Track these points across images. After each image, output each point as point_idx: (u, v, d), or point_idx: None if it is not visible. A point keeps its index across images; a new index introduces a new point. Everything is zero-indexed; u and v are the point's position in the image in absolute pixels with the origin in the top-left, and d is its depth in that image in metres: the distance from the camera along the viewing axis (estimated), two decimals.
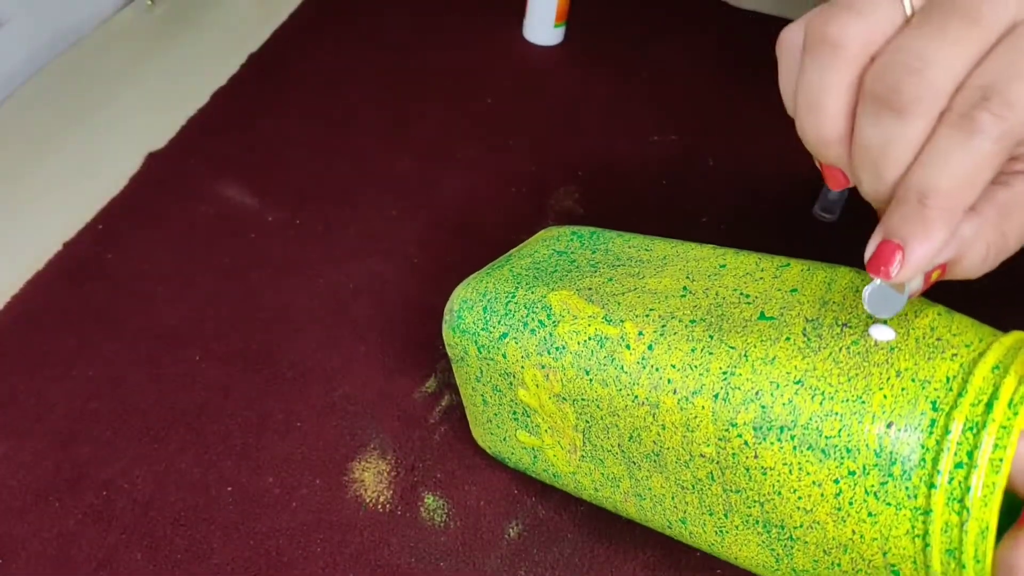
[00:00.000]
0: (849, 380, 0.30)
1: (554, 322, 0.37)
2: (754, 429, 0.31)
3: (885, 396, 0.29)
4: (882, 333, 0.31)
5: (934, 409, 0.28)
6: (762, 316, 0.33)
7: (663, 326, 0.34)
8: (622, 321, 0.35)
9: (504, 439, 0.42)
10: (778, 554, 0.32)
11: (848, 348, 0.31)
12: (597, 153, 0.64)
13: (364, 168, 0.60)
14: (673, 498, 0.35)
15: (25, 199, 0.56)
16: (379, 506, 0.43)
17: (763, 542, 0.32)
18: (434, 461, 0.45)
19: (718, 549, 0.35)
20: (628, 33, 0.76)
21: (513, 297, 0.39)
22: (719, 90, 0.70)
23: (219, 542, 0.41)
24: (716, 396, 0.32)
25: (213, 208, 0.56)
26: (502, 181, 0.60)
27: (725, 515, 0.33)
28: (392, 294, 0.53)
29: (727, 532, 0.34)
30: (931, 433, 0.28)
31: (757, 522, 0.32)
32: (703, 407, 0.32)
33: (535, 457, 0.40)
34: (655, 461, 0.34)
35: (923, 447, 0.28)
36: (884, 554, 0.29)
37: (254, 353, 0.49)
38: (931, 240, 0.27)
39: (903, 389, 0.29)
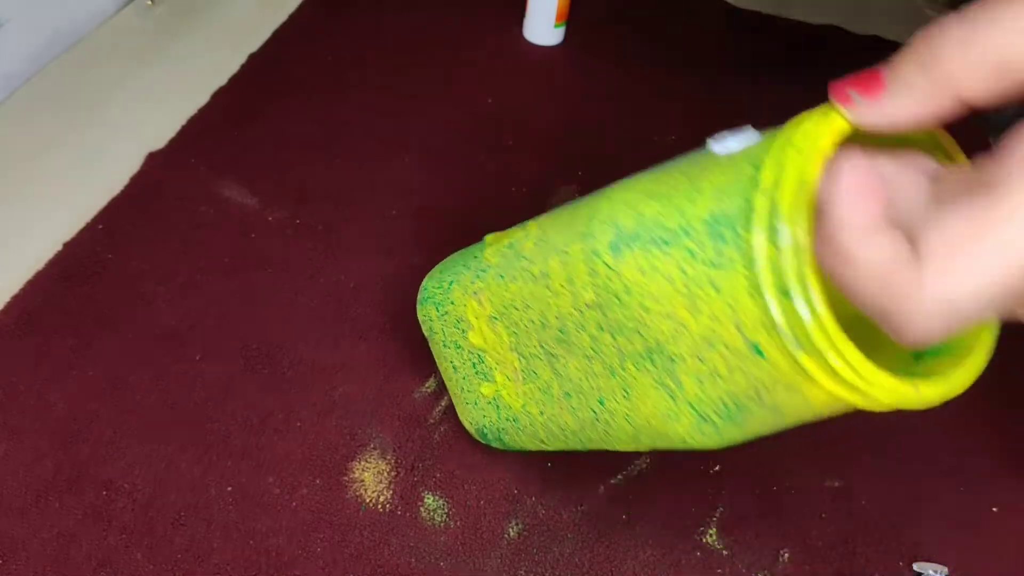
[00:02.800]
0: (690, 180, 0.31)
1: (482, 249, 0.42)
2: (611, 249, 0.33)
3: (715, 175, 0.30)
4: (720, 146, 0.32)
5: (754, 168, 0.28)
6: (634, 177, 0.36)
7: (555, 215, 0.38)
8: (526, 224, 0.40)
9: (476, 403, 0.43)
10: (670, 388, 0.33)
11: (695, 162, 0.32)
12: (597, 153, 0.64)
13: (364, 168, 0.60)
14: (587, 377, 0.36)
15: (25, 199, 0.56)
16: (379, 506, 0.43)
17: (656, 381, 0.33)
18: (434, 461, 0.45)
19: (634, 417, 0.35)
20: (628, 33, 0.76)
21: (460, 255, 0.44)
22: (719, 90, 0.70)
23: (219, 542, 0.41)
24: (583, 236, 0.34)
25: (213, 208, 0.56)
26: (502, 181, 0.60)
27: (622, 367, 0.34)
28: (392, 294, 0.53)
29: (631, 390, 0.35)
30: (750, 183, 0.28)
31: (643, 356, 0.33)
32: (576, 250, 0.35)
33: (498, 407, 0.42)
34: (563, 341, 0.37)
35: (746, 200, 0.28)
36: (739, 329, 0.29)
37: (254, 353, 0.49)
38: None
39: (734, 164, 0.30)
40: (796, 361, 0.28)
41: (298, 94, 0.66)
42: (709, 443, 0.34)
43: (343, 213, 0.57)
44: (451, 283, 0.43)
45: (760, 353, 0.29)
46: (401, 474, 0.44)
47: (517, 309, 0.39)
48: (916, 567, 0.43)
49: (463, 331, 0.42)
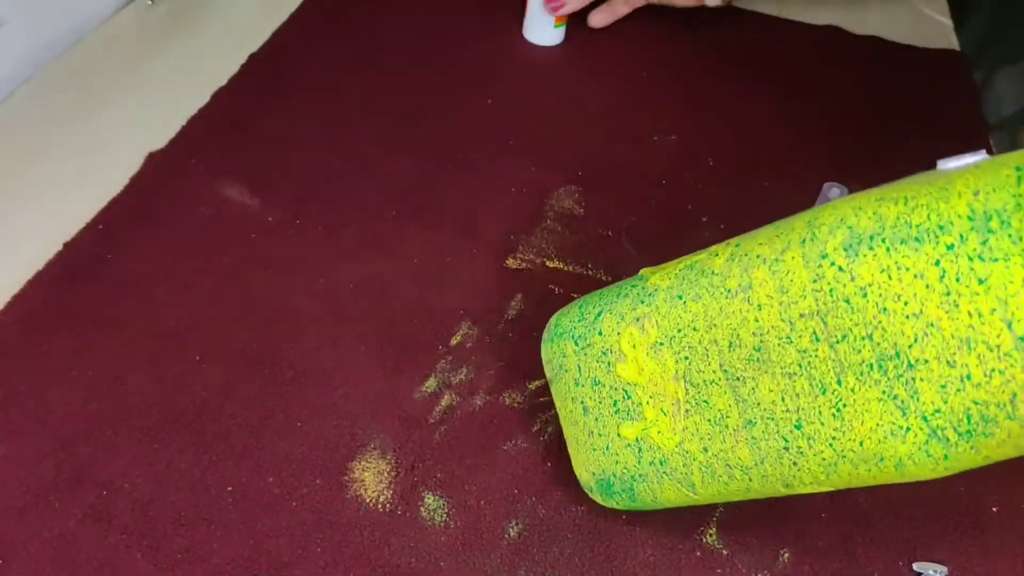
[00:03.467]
0: (930, 183, 0.30)
1: (645, 279, 0.40)
2: (844, 250, 0.31)
3: (966, 179, 0.29)
4: (955, 163, 0.31)
5: (1018, 169, 0.28)
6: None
7: (752, 233, 0.37)
8: (708, 249, 0.38)
9: (607, 448, 0.41)
10: (902, 400, 0.31)
11: (924, 176, 0.32)
12: (597, 153, 0.64)
13: (364, 168, 0.60)
14: (784, 398, 0.34)
15: (26, 199, 0.56)
16: (379, 506, 0.43)
17: (884, 393, 0.32)
18: (434, 461, 0.45)
19: (841, 442, 0.33)
20: (628, 33, 0.76)
21: (609, 288, 0.42)
22: (719, 90, 0.70)
23: (219, 542, 0.41)
24: (803, 241, 0.33)
25: (213, 208, 0.56)
26: (502, 181, 0.60)
27: (839, 382, 0.33)
28: (392, 294, 0.53)
29: (845, 406, 0.33)
30: (1019, 182, 0.28)
31: (871, 367, 0.32)
32: (793, 258, 0.33)
33: (640, 450, 0.40)
34: (758, 360, 0.35)
35: (1015, 196, 0.28)
36: (1009, 325, 0.28)
37: (254, 353, 0.49)
38: None
39: (983, 169, 0.29)
40: None
41: (298, 94, 0.66)
42: (928, 468, 0.32)
43: (343, 213, 0.57)
44: (599, 314, 0.40)
45: None
46: (401, 474, 0.44)
47: (696, 331, 0.37)
48: (916, 567, 0.43)
49: (609, 364, 0.40)
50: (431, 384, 0.48)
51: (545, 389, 0.48)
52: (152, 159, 0.59)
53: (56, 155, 0.59)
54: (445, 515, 0.43)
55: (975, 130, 0.68)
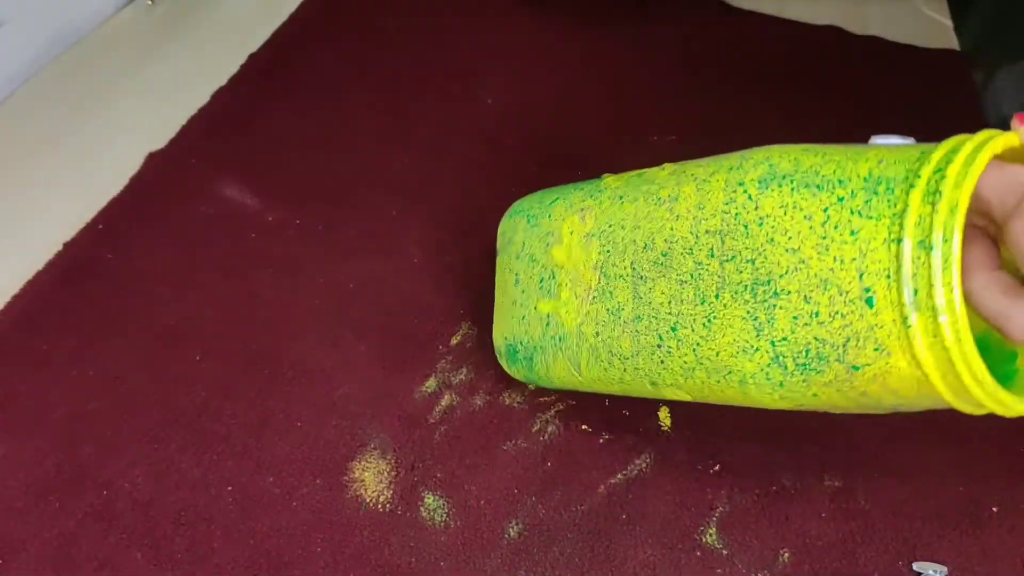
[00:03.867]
0: (850, 149, 0.34)
1: (601, 178, 0.44)
2: (759, 183, 0.35)
3: (881, 151, 0.33)
4: (883, 139, 0.36)
5: (923, 153, 0.32)
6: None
7: (698, 159, 0.40)
8: (662, 164, 0.42)
9: (523, 318, 0.45)
10: (760, 322, 0.35)
11: (853, 145, 0.35)
12: (597, 153, 0.64)
13: (364, 168, 0.60)
14: (670, 302, 0.38)
15: (25, 199, 0.56)
16: (379, 506, 0.43)
17: (748, 312, 0.35)
18: (434, 461, 0.45)
19: (703, 348, 0.37)
20: (628, 33, 0.76)
21: (570, 184, 0.46)
22: (719, 90, 0.70)
23: (219, 542, 0.41)
24: (731, 168, 0.37)
25: (213, 208, 0.56)
26: (502, 181, 0.60)
27: (716, 296, 0.36)
28: (392, 294, 0.53)
29: (715, 319, 0.36)
30: (917, 160, 0.31)
31: (745, 287, 0.35)
32: (717, 181, 0.37)
33: (547, 324, 0.43)
34: (662, 264, 0.39)
35: (908, 170, 0.31)
36: (860, 275, 0.31)
37: (254, 353, 0.49)
38: None
39: (901, 148, 0.33)
40: (903, 319, 0.30)
41: (298, 94, 0.66)
42: (766, 392, 0.35)
43: (343, 213, 0.57)
44: (555, 200, 0.45)
45: (870, 303, 0.31)
46: (401, 474, 0.44)
47: (623, 229, 0.41)
48: (916, 567, 0.43)
49: (548, 244, 0.44)
50: (431, 384, 0.48)
51: (545, 389, 0.48)
52: (152, 159, 0.59)
53: (56, 154, 0.59)
54: (445, 515, 0.43)
55: (975, 130, 0.68)
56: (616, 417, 0.46)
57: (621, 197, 0.42)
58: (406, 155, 0.62)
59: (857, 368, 0.32)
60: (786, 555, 0.43)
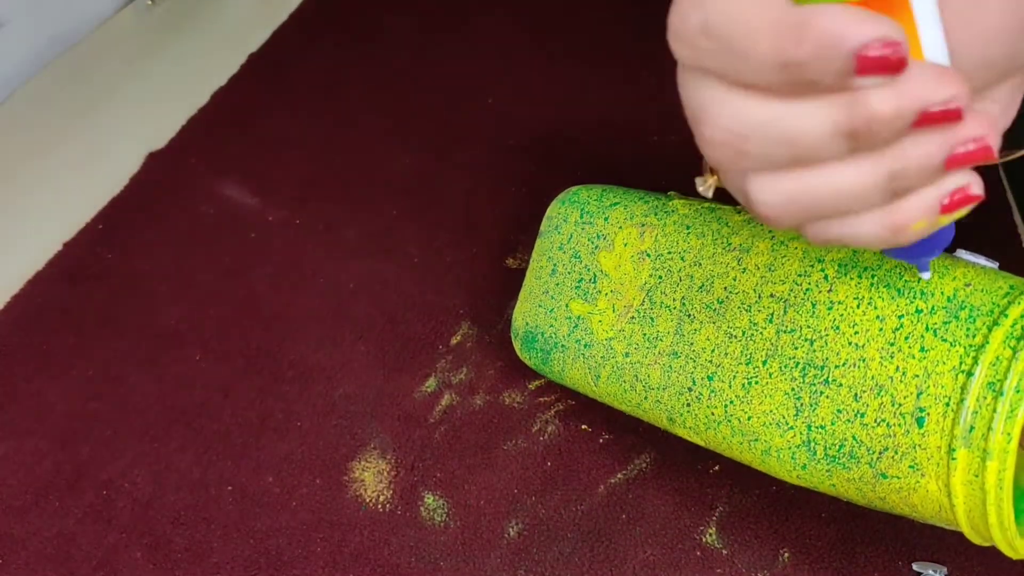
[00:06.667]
0: (942, 259, 0.33)
1: (671, 199, 0.42)
2: (839, 265, 0.34)
3: (969, 271, 0.32)
4: (967, 256, 0.34)
5: (1012, 288, 0.31)
6: None
7: None
8: (737, 207, 0.40)
9: (551, 311, 0.43)
10: (802, 403, 0.33)
11: (943, 255, 0.34)
12: (597, 153, 0.64)
13: (364, 168, 0.60)
14: (713, 351, 0.37)
15: (25, 199, 0.56)
16: (379, 506, 0.43)
17: (792, 389, 0.34)
18: (434, 461, 0.45)
19: (735, 408, 0.36)
20: (628, 32, 0.76)
21: (637, 190, 0.44)
22: None
23: (219, 542, 0.41)
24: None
25: (213, 208, 0.56)
26: (502, 181, 0.60)
27: (764, 362, 0.35)
28: (392, 294, 0.53)
29: (756, 383, 0.35)
30: (1006, 296, 0.31)
31: (796, 365, 0.34)
32: (795, 248, 0.36)
33: (575, 326, 0.42)
34: (715, 311, 0.37)
35: (994, 303, 0.31)
36: (919, 395, 0.31)
37: (254, 353, 0.49)
38: None
39: (988, 273, 0.32)
40: (950, 450, 0.30)
41: (298, 94, 0.66)
42: (786, 469, 0.34)
43: (343, 213, 0.57)
44: (615, 204, 0.43)
45: (920, 423, 0.31)
46: (401, 474, 0.44)
47: (683, 260, 0.39)
48: (916, 567, 0.43)
49: (596, 247, 0.42)
50: (431, 384, 0.48)
51: (545, 389, 0.48)
52: (152, 159, 0.59)
53: (56, 155, 0.59)
54: (445, 515, 0.43)
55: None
56: (616, 417, 0.46)
57: (688, 227, 0.40)
58: (406, 155, 0.62)
59: (886, 477, 0.32)
60: (786, 555, 0.43)
